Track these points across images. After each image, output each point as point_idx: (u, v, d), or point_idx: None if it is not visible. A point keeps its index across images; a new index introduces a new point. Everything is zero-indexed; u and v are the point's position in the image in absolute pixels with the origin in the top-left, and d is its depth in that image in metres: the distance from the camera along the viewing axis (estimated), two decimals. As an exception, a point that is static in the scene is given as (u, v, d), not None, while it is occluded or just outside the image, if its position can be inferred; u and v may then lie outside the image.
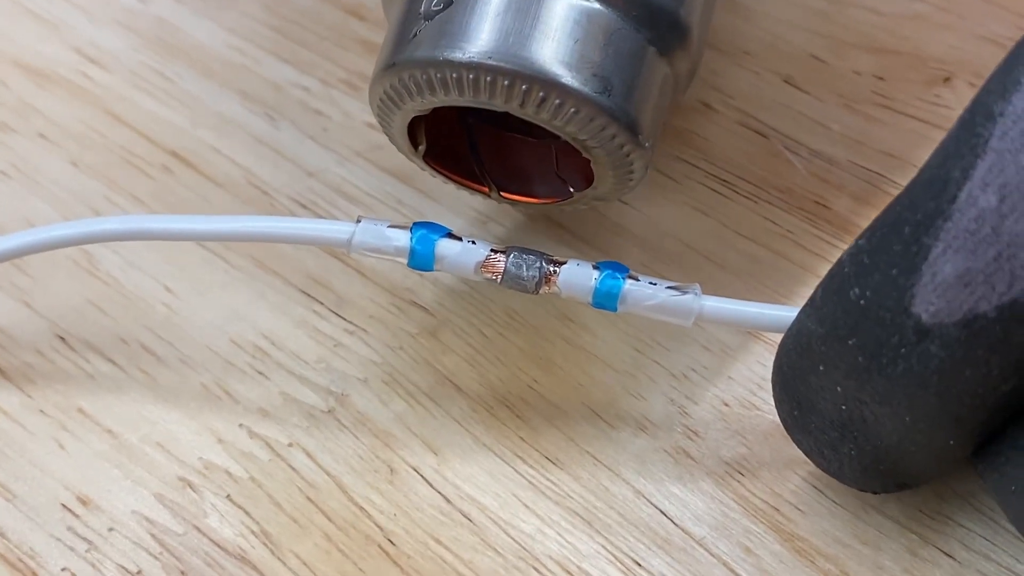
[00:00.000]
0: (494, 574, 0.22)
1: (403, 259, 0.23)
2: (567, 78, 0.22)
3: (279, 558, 0.23)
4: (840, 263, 0.20)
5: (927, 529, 0.22)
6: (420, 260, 0.23)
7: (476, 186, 0.26)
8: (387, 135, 0.25)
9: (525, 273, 0.23)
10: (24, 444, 0.24)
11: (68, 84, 0.31)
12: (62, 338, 0.26)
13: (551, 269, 0.23)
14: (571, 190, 0.25)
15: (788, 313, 0.21)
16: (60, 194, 0.29)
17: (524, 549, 0.23)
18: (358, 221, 0.23)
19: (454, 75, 0.22)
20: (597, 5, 0.22)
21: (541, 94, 0.22)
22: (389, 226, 0.23)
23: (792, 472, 0.23)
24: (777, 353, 0.21)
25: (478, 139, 0.26)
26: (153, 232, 0.24)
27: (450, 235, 0.23)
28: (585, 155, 0.23)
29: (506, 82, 0.22)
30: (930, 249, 0.18)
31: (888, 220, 0.19)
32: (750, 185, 0.28)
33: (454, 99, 0.22)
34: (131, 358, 0.26)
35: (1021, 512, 0.20)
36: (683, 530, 0.23)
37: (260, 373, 0.25)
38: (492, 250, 0.23)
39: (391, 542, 0.23)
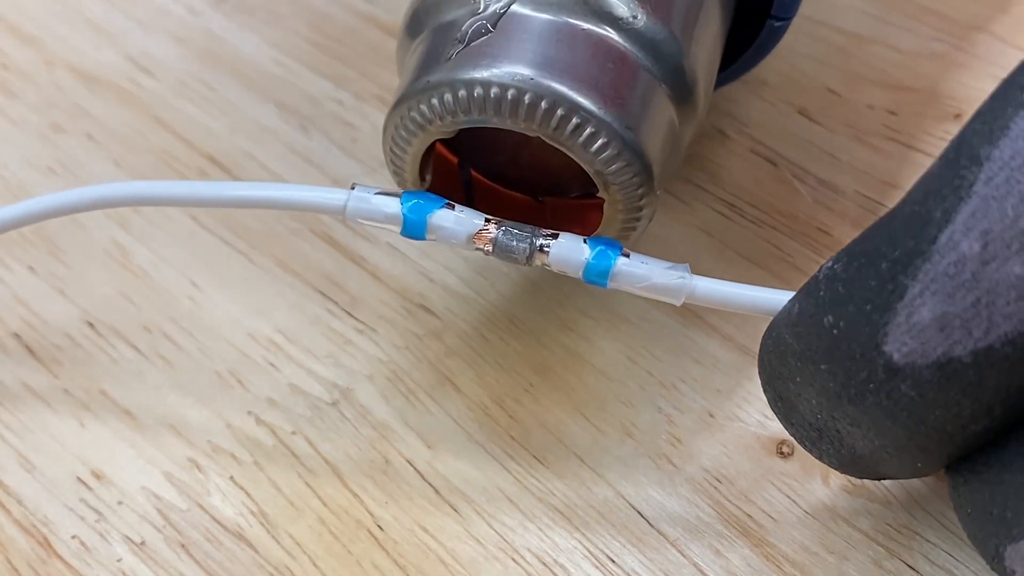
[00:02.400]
0: (474, 562, 0.23)
1: (396, 227, 0.23)
2: (601, 110, 0.22)
3: (274, 537, 0.24)
4: (816, 283, 0.20)
5: (894, 542, 0.23)
6: (412, 228, 0.23)
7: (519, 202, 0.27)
8: (392, 164, 0.25)
9: (516, 244, 0.23)
10: (47, 420, 0.26)
11: (118, 89, 0.33)
12: (91, 324, 0.28)
13: (543, 242, 0.23)
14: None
15: (779, 296, 0.21)
16: (101, 191, 0.31)
17: (505, 541, 0.24)
18: (352, 188, 0.23)
19: (493, 93, 0.22)
20: (625, 46, 0.23)
21: (576, 121, 0.22)
22: (382, 193, 0.23)
23: (768, 482, 0.24)
24: (760, 345, 0.21)
25: (474, 191, 0.27)
26: (150, 197, 0.24)
27: (446, 206, 0.23)
28: (602, 193, 0.23)
29: (544, 105, 0.22)
30: (907, 289, 0.18)
31: (866, 250, 0.19)
32: (756, 210, 0.29)
33: (488, 119, 0.23)
34: (153, 345, 0.27)
35: (974, 532, 0.20)
36: (658, 531, 0.24)
37: (272, 365, 0.27)
38: (485, 220, 0.23)
39: (380, 527, 0.24)
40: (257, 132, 0.32)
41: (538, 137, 0.23)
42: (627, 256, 0.23)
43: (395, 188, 0.24)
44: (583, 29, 0.23)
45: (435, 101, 0.23)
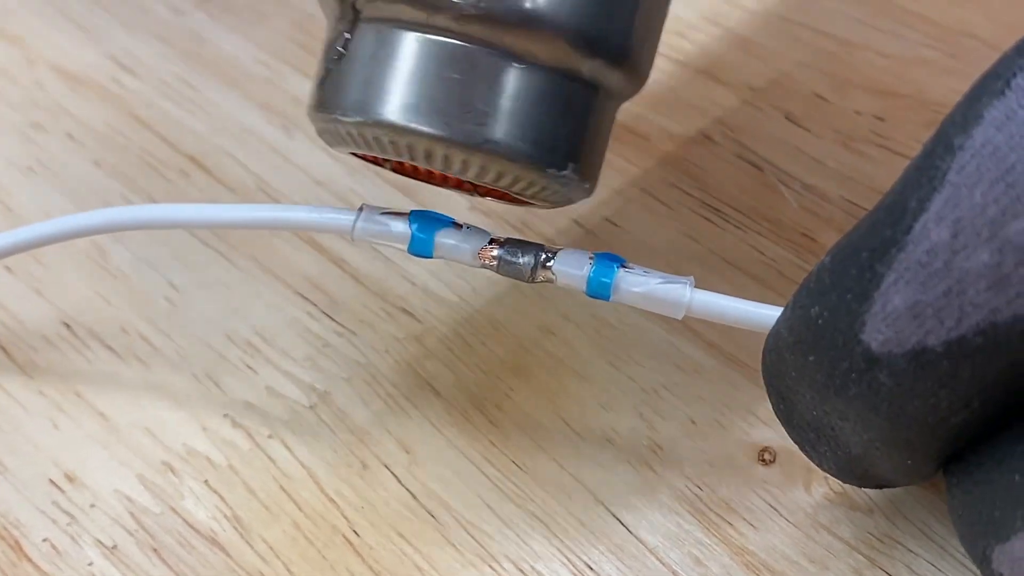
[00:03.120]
0: (451, 569, 0.23)
1: (403, 245, 0.23)
2: (447, 133, 0.21)
3: (247, 541, 0.24)
4: (809, 276, 0.20)
5: (875, 552, 0.23)
6: (420, 246, 0.23)
7: (448, 184, 0.25)
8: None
9: (521, 260, 0.23)
10: (21, 421, 0.26)
11: (100, 89, 0.33)
12: (67, 325, 0.27)
13: (546, 256, 0.23)
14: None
15: (776, 312, 0.21)
16: (80, 191, 0.30)
17: (482, 547, 0.23)
18: (360, 209, 0.23)
19: (347, 131, 0.22)
20: (460, 44, 0.21)
21: (426, 150, 0.21)
22: (390, 214, 0.23)
23: (750, 490, 0.24)
24: (763, 348, 0.21)
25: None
26: (158, 221, 0.25)
27: (452, 224, 0.23)
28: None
29: (388, 140, 0.21)
30: (883, 278, 0.18)
31: (851, 241, 0.19)
32: (741, 215, 0.29)
33: (359, 149, 0.22)
34: (129, 347, 0.27)
35: (965, 535, 0.20)
36: (637, 538, 0.23)
37: (249, 367, 0.26)
38: (491, 239, 0.23)
39: (356, 533, 0.24)
40: (239, 132, 0.32)
41: None
42: (629, 268, 0.23)
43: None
44: (417, 40, 0.21)
45: (321, 130, 0.23)
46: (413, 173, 0.24)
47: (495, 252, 0.23)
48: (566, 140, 0.22)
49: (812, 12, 0.33)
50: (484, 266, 0.23)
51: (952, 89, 0.31)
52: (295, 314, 0.27)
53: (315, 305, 0.28)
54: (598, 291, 0.23)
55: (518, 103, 0.21)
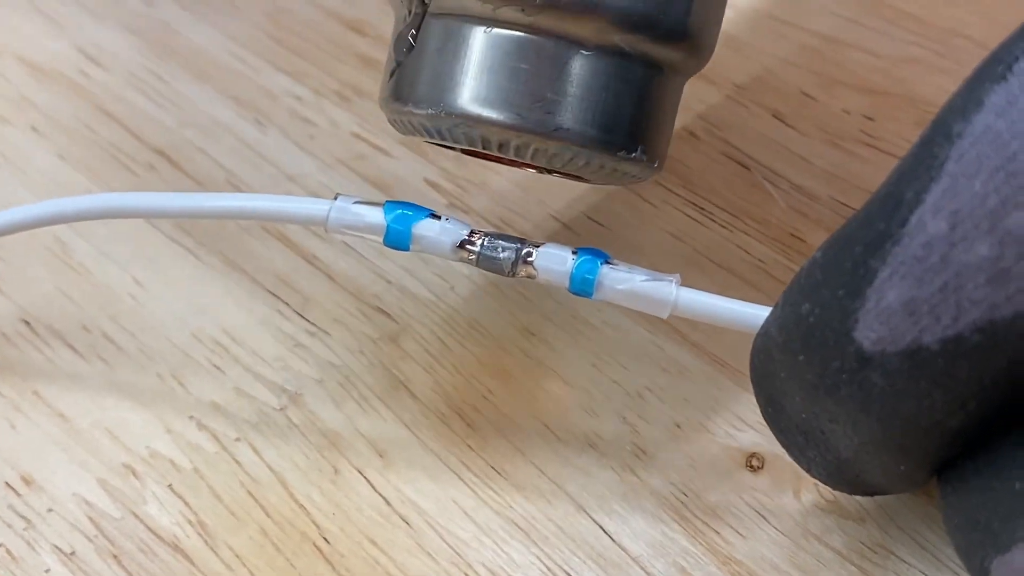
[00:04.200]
0: (425, 578, 0.22)
1: (378, 237, 0.22)
2: (519, 123, 0.22)
3: (212, 548, 0.23)
4: (800, 272, 0.19)
5: (867, 561, 0.22)
6: (396, 239, 0.22)
7: (512, 161, 0.25)
8: None
9: (501, 254, 0.22)
10: (-24, 422, 0.25)
11: (66, 80, 0.32)
12: (27, 322, 0.26)
13: (528, 251, 0.22)
14: None
15: (763, 312, 0.21)
16: (45, 184, 0.29)
17: (458, 555, 0.22)
18: (335, 198, 0.22)
19: (419, 122, 0.22)
20: (526, 35, 0.22)
21: (499, 140, 0.22)
22: (365, 203, 0.22)
23: (737, 497, 0.23)
24: (751, 349, 0.20)
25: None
26: (127, 209, 0.24)
27: (431, 215, 0.22)
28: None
29: (463, 130, 0.22)
30: (876, 273, 0.17)
31: (844, 235, 0.18)
32: (727, 214, 0.28)
33: (431, 139, 0.23)
34: (91, 346, 0.26)
35: (961, 545, 0.19)
36: (620, 547, 0.22)
37: (216, 367, 0.25)
38: (471, 231, 0.22)
39: (326, 540, 0.23)
40: (210, 126, 0.31)
41: None
42: (613, 265, 0.22)
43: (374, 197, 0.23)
44: (485, 32, 0.22)
45: (393, 120, 0.23)
46: (484, 154, 0.24)
47: (475, 246, 0.22)
48: (634, 122, 0.23)
49: (800, 10, 0.33)
50: (463, 260, 0.22)
51: (942, 88, 0.30)
52: (265, 312, 0.26)
53: (286, 303, 0.27)
54: (581, 288, 0.22)
55: (586, 89, 0.22)
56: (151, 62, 0.32)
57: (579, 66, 0.22)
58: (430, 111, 0.22)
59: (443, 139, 0.23)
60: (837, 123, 0.30)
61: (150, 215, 0.24)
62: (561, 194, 0.28)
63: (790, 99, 0.30)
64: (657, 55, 0.22)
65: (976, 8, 0.32)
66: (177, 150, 0.30)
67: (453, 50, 0.22)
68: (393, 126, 0.23)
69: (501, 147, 0.22)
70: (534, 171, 0.25)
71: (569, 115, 0.22)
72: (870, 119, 0.30)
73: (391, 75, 0.23)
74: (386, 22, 0.32)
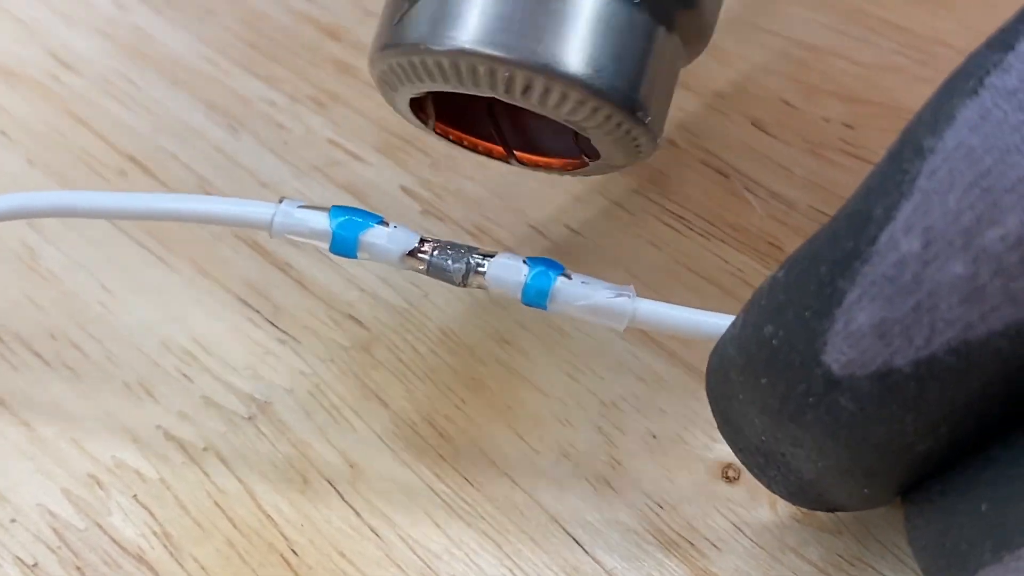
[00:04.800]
0: (394, 591, 0.22)
1: (325, 244, 0.22)
2: (550, 62, 0.21)
3: (177, 560, 0.22)
4: (760, 292, 0.18)
5: (844, 574, 0.21)
6: (342, 246, 0.21)
7: (492, 147, 0.25)
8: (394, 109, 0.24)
9: (451, 265, 0.21)
10: (-62, 430, 0.24)
11: (37, 85, 0.31)
12: (-8, 329, 0.26)
13: (479, 261, 0.22)
14: (585, 159, 0.24)
15: (724, 321, 0.20)
16: (13, 189, 0.29)
17: (429, 568, 0.22)
18: (280, 201, 0.22)
19: (436, 63, 0.21)
20: None
21: (524, 82, 0.21)
22: (310, 208, 0.22)
23: (713, 508, 0.23)
24: (707, 367, 0.20)
25: (495, 105, 0.25)
26: (69, 208, 0.23)
27: (381, 222, 0.22)
28: (595, 143, 0.22)
29: (485, 69, 0.21)
30: (845, 294, 0.17)
31: (808, 254, 0.18)
32: (705, 222, 0.28)
33: (441, 85, 0.22)
34: (58, 353, 0.25)
35: (929, 568, 0.19)
36: (594, 559, 0.22)
37: (185, 376, 0.25)
38: (421, 240, 0.22)
39: (294, 552, 0.22)
40: (183, 132, 0.30)
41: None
42: (568, 277, 0.21)
43: (323, 203, 0.23)
44: None
45: (391, 70, 0.22)
46: (458, 139, 0.24)
47: (425, 255, 0.22)
48: (648, 83, 0.22)
49: (780, 18, 0.32)
50: (413, 269, 0.22)
51: (923, 97, 0.30)
52: (236, 321, 0.26)
53: (257, 311, 0.26)
54: (534, 300, 0.21)
55: (596, 34, 0.21)
56: (123, 67, 0.32)
57: (595, 9, 0.21)
58: (449, 47, 0.21)
59: (446, 81, 0.21)
60: (817, 131, 0.29)
61: (97, 215, 0.23)
62: (538, 202, 0.28)
63: (770, 107, 0.30)
64: (668, 12, 0.22)
65: (957, 17, 0.32)
66: (149, 156, 0.30)
67: None
68: (386, 79, 0.22)
69: (508, 86, 0.21)
70: (516, 164, 0.25)
71: (574, 55, 0.21)
72: (850, 127, 0.30)
73: (398, 22, 0.22)
74: (362, 28, 0.32)
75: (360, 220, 0.22)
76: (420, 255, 0.22)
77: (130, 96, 0.31)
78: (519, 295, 0.21)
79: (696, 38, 0.23)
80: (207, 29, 0.33)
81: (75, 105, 0.31)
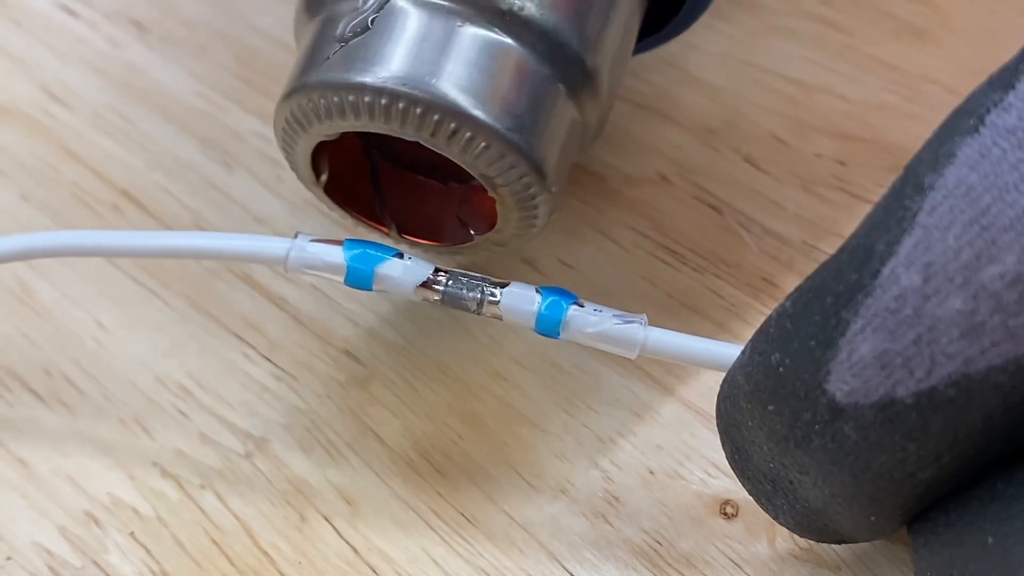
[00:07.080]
0: (393, 629, 0.22)
1: (339, 277, 0.22)
2: (480, 112, 0.21)
3: (174, 598, 0.22)
4: (768, 321, 0.19)
5: (844, 611, 0.22)
6: (358, 278, 0.22)
7: (376, 224, 0.25)
8: (289, 162, 0.24)
9: (467, 294, 0.22)
10: (-68, 468, 0.24)
11: (29, 120, 0.31)
12: (-13, 365, 0.26)
13: (493, 291, 0.22)
14: (472, 233, 0.25)
15: (733, 350, 0.20)
16: (6, 225, 0.29)
17: (427, 605, 0.22)
18: (295, 236, 0.22)
19: (366, 99, 0.21)
20: (510, 41, 0.22)
21: (453, 125, 0.21)
22: (324, 241, 0.22)
23: (710, 545, 0.23)
24: (718, 395, 0.20)
25: (381, 177, 0.25)
26: (84, 248, 0.23)
27: (395, 255, 0.22)
28: (491, 193, 0.22)
29: (419, 110, 0.21)
30: (848, 325, 0.17)
31: (815, 285, 0.18)
32: (699, 258, 0.28)
33: (364, 124, 0.22)
34: (52, 390, 0.25)
35: None
36: (592, 596, 0.22)
37: (181, 413, 0.25)
38: (436, 270, 0.22)
39: (292, 590, 0.22)
40: (176, 167, 0.30)
41: None
42: (580, 305, 0.22)
43: (335, 235, 0.23)
44: (460, 26, 0.22)
45: (311, 106, 0.22)
46: (341, 206, 0.24)
47: (440, 285, 0.22)
48: (552, 143, 0.22)
49: (770, 55, 0.33)
50: (428, 300, 0.22)
51: (913, 134, 0.30)
52: (231, 356, 0.26)
53: (252, 347, 0.26)
54: (547, 329, 0.22)
55: (536, 105, 0.22)
56: (117, 102, 0.32)
57: (494, 54, 0.22)
58: (379, 82, 0.21)
59: (355, 117, 0.22)
60: (809, 168, 0.30)
61: (109, 254, 0.23)
62: (532, 237, 0.28)
63: (762, 143, 0.30)
64: (564, 74, 0.23)
65: (946, 55, 0.32)
66: (142, 191, 0.30)
67: (399, 32, 0.22)
68: (292, 121, 0.22)
69: (434, 132, 0.21)
70: (397, 238, 0.25)
71: (506, 108, 0.22)
72: (842, 164, 0.30)
73: (326, 59, 0.22)
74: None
75: (374, 252, 0.22)
76: (435, 286, 0.22)
77: (123, 132, 0.31)
78: (532, 324, 0.22)
79: (592, 132, 0.24)
80: (200, 65, 0.33)
81: (68, 140, 0.31)
